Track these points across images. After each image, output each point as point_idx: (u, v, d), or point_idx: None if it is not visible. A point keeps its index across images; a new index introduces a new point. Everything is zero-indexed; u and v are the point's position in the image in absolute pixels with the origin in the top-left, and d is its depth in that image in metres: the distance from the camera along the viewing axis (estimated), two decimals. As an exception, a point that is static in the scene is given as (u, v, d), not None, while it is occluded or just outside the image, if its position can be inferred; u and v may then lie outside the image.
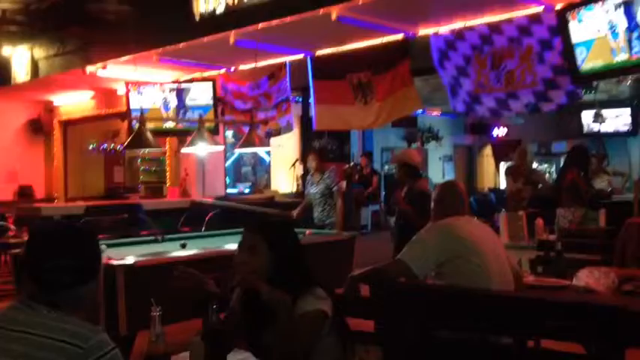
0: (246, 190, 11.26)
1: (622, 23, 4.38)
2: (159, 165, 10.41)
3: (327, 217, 6.76)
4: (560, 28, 4.78)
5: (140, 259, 4.27)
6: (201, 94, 7.82)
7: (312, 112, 6.99)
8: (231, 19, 5.72)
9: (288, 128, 7.55)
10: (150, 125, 7.40)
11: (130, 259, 4.20)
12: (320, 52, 6.86)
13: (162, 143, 8.69)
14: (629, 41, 4.37)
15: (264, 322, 2.17)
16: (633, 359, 2.71)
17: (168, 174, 9.39)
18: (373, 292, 3.17)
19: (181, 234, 6.19)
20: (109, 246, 4.92)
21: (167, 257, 4.51)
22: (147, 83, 7.85)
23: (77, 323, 1.64)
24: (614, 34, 4.42)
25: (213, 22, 5.87)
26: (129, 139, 5.68)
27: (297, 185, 11.01)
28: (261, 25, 5.61)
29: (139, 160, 11.04)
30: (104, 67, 7.41)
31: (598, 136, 11.52)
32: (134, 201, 8.77)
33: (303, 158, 8.91)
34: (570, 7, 4.71)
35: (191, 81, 8.12)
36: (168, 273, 4.22)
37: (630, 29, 4.36)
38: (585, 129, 11.62)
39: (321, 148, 9.18)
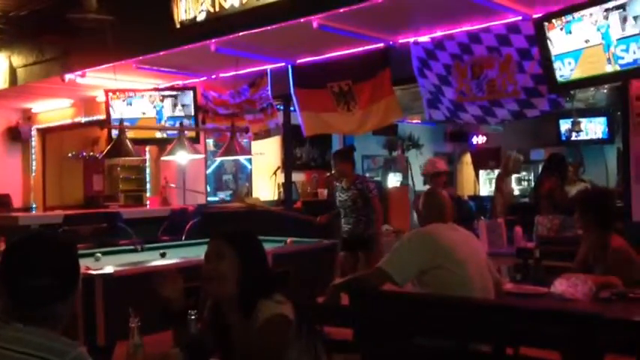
0: (227, 199, 11.21)
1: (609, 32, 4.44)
2: (139, 173, 10.33)
3: (364, 229, 6.17)
4: (538, 38, 4.84)
5: (119, 269, 4.23)
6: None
7: (299, 119, 7.00)
8: (212, 27, 5.71)
9: (277, 131, 7.55)
10: (141, 134, 7.41)
11: (108, 269, 4.15)
12: (301, 61, 6.87)
13: (142, 151, 8.63)
14: (614, 52, 4.43)
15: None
16: (610, 366, 2.74)
17: (148, 182, 9.33)
18: (352, 300, 3.18)
19: (161, 243, 6.15)
20: (86, 255, 4.87)
21: (146, 267, 4.47)
22: (126, 91, 7.80)
23: (54, 338, 1.62)
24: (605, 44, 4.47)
25: (194, 30, 5.86)
26: (108, 148, 5.65)
27: (279, 193, 10.99)
28: (242, 34, 5.61)
29: (118, 169, 10.94)
30: (83, 75, 7.36)
31: (575, 144, 11.66)
32: (113, 210, 8.68)
33: (285, 166, 8.91)
34: (547, 18, 4.77)
35: (172, 89, 8.09)
36: (148, 283, 4.22)
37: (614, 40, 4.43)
38: (563, 137, 11.77)
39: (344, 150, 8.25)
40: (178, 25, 5.97)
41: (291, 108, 7.43)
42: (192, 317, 2.24)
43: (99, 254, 4.99)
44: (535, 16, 5.01)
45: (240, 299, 2.22)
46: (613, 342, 2.84)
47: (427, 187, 6.26)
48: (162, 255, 4.99)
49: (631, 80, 4.86)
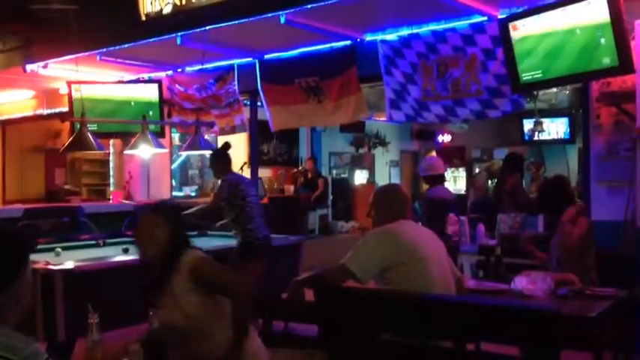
0: (193, 194, 11.11)
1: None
2: (102, 167, 10.17)
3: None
4: (502, 38, 4.91)
5: (79, 264, 4.16)
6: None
7: (267, 114, 6.97)
8: (178, 20, 5.65)
9: (243, 127, 7.49)
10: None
11: (69, 264, 4.09)
12: (268, 56, 6.85)
13: (105, 145, 8.50)
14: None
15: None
16: (567, 361, 2.81)
17: (112, 176, 9.19)
18: (317, 297, 3.18)
19: (124, 238, 6.07)
20: (46, 250, 4.80)
21: (108, 262, 4.41)
22: (89, 82, 7.66)
23: (8, 334, 1.58)
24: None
25: (160, 23, 5.78)
26: (70, 141, 5.55)
27: (245, 189, 10.94)
28: (208, 28, 5.56)
29: (81, 162, 10.77)
30: (45, 66, 7.21)
31: (537, 143, 11.88)
32: (75, 204, 8.54)
33: (251, 162, 8.87)
34: (512, 18, 4.84)
35: (137, 82, 7.98)
36: (109, 278, 4.17)
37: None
38: (526, 137, 11.98)
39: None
40: (144, 18, 5.88)
41: (258, 103, 7.39)
42: (151, 313, 2.22)
43: (59, 249, 4.91)
44: (500, 17, 5.08)
45: (169, 256, 2.68)
46: (570, 338, 2.91)
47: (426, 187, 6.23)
48: (125, 250, 4.93)
49: (590, 82, 4.96)
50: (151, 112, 7.43)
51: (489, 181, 9.72)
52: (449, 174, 14.69)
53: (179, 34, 5.82)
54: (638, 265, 4.23)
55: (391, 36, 5.85)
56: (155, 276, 2.69)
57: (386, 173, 15.15)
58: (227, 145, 5.56)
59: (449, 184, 14.53)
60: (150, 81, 7.87)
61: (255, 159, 8.64)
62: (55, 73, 7.51)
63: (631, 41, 4.41)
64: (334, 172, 13.95)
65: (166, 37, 5.89)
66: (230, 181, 5.25)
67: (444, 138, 14.71)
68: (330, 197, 12.52)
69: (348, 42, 6.11)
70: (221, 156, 5.54)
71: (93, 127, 6.51)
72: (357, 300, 3.14)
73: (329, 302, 3.15)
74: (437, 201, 5.86)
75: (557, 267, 3.87)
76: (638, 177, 4.58)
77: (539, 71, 4.74)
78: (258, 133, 8.23)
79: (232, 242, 5.22)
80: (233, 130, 7.51)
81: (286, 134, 11.55)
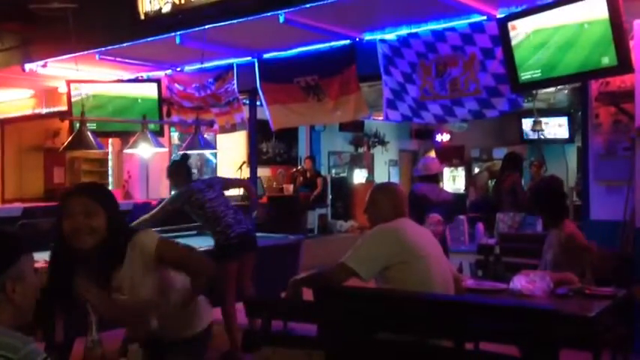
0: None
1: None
2: (101, 166, 10.17)
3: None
4: (501, 38, 4.91)
5: (79, 263, 4.16)
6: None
7: (266, 113, 6.97)
8: (177, 19, 5.65)
9: (243, 125, 7.49)
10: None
11: (68, 263, 4.08)
12: (267, 55, 6.84)
13: (104, 144, 8.50)
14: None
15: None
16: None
17: (110, 175, 9.19)
18: (317, 296, 3.18)
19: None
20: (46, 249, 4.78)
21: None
22: (88, 82, 7.66)
23: (6, 333, 1.58)
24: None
25: (159, 22, 5.78)
26: (69, 140, 5.53)
27: (244, 188, 10.94)
28: (207, 27, 5.56)
29: (80, 161, 10.76)
30: (44, 66, 7.20)
31: (537, 142, 11.90)
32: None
33: (250, 161, 8.87)
34: (511, 18, 4.84)
35: (136, 81, 7.97)
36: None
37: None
38: (525, 136, 11.99)
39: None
40: (143, 17, 5.88)
41: (258, 103, 7.39)
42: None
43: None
44: (499, 16, 5.08)
45: (110, 246, 2.49)
46: (569, 337, 2.92)
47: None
48: None
49: (589, 82, 4.96)
50: (149, 112, 7.44)
51: (490, 181, 9.74)
52: (448, 173, 14.71)
53: (178, 33, 5.81)
54: (636, 265, 4.24)
55: (390, 35, 5.85)
56: (95, 267, 2.50)
57: (385, 172, 15.16)
58: (186, 157, 5.43)
59: (448, 184, 14.60)
60: (149, 80, 7.86)
61: (255, 158, 8.64)
62: (54, 72, 7.51)
63: (630, 41, 4.41)
64: (333, 171, 13.96)
65: (165, 36, 5.89)
66: (183, 192, 5.13)
67: (443, 137, 14.73)
68: (330, 196, 12.53)
69: (348, 41, 6.11)
70: (180, 166, 5.29)
71: (92, 126, 6.50)
72: (356, 299, 3.14)
73: (328, 302, 3.14)
74: (418, 196, 5.74)
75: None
76: (636, 176, 4.58)
77: (539, 71, 4.74)
78: (258, 132, 8.23)
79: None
80: (234, 128, 7.50)
81: (285, 133, 11.55)
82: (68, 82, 7.63)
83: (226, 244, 4.90)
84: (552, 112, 11.56)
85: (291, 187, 11.93)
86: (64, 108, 8.07)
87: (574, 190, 7.16)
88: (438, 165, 6.12)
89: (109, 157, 9.16)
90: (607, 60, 4.34)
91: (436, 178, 6.16)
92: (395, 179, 15.02)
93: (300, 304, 3.12)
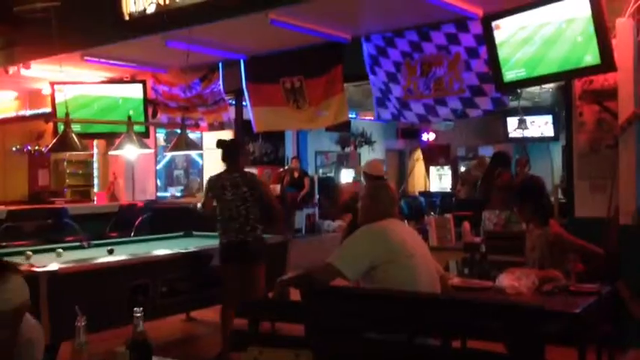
0: (178, 194, 11.06)
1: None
2: (86, 168, 10.10)
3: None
4: (486, 37, 4.94)
5: (64, 266, 4.13)
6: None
7: (250, 114, 6.96)
8: (162, 19, 5.62)
9: (230, 124, 7.49)
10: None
11: (53, 266, 4.06)
12: (253, 55, 6.83)
13: (90, 145, 8.45)
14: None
15: None
16: (551, 356, 2.83)
17: (96, 177, 9.13)
18: (304, 297, 3.18)
19: (109, 239, 6.04)
20: (43, 252, 4.80)
21: (92, 264, 4.38)
22: (73, 83, 7.61)
23: None
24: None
25: (144, 23, 5.75)
26: (53, 142, 5.49)
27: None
28: (193, 27, 5.54)
29: (65, 163, 10.67)
30: (27, 67, 7.14)
31: (522, 141, 11.97)
32: (59, 205, 8.47)
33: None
34: (495, 17, 4.87)
35: (120, 82, 7.93)
36: (94, 280, 4.14)
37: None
38: (510, 135, 12.06)
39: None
40: (127, 17, 5.85)
41: (244, 103, 7.38)
42: (138, 315, 2.20)
43: (60, 250, 4.90)
44: (483, 16, 5.10)
45: None
46: (555, 333, 2.94)
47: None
48: (110, 252, 4.90)
49: (573, 80, 5.00)
50: (132, 112, 7.39)
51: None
52: (434, 172, 14.78)
53: (163, 33, 5.79)
54: (621, 262, 4.28)
55: (376, 35, 5.86)
56: None
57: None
58: (235, 141, 5.57)
59: (434, 183, 14.66)
60: (134, 81, 7.82)
61: (241, 159, 8.61)
62: (38, 73, 7.45)
63: (612, 39, 4.45)
64: (320, 171, 13.96)
65: (150, 36, 5.86)
66: (209, 179, 5.12)
67: (429, 136, 14.79)
68: (317, 196, 12.53)
69: (334, 41, 6.11)
70: (225, 149, 5.05)
71: (77, 127, 6.46)
72: (343, 299, 3.14)
73: (315, 302, 3.14)
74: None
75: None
76: (620, 174, 4.63)
77: (523, 69, 4.77)
78: (244, 132, 8.22)
79: (216, 242, 5.13)
80: (222, 126, 7.50)
81: (272, 134, 11.54)
82: (52, 84, 7.58)
83: (220, 247, 4.89)
84: (537, 110, 11.64)
85: (278, 187, 11.91)
86: (49, 110, 8.02)
87: (559, 188, 7.19)
88: (381, 167, 6.17)
89: (94, 158, 9.10)
90: (590, 58, 4.38)
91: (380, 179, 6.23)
92: (382, 178, 15.05)
93: (288, 305, 3.12)
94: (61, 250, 4.90)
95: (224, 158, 5.04)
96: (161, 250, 5.04)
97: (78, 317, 2.13)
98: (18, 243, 5.85)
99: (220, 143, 5.08)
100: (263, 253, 4.89)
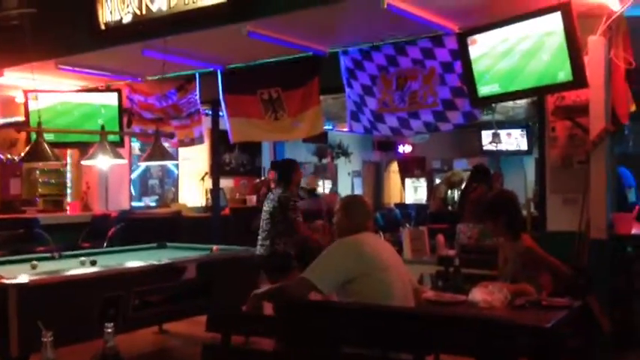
0: (153, 204, 10.97)
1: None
2: (59, 177, 9.96)
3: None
4: (461, 52, 4.99)
5: (34, 278, 4.06)
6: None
7: (226, 125, 6.94)
8: (138, 30, 5.58)
9: (201, 140, 7.45)
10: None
11: (23, 278, 3.98)
12: (230, 66, 6.82)
13: (63, 155, 8.34)
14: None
15: None
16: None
17: (69, 187, 9.01)
18: (278, 310, 3.17)
19: (81, 250, 5.96)
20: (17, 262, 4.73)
21: (63, 276, 4.31)
22: (46, 91, 7.51)
23: None
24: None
25: (120, 32, 5.71)
26: (26, 151, 5.42)
27: (207, 199, 10.84)
28: (169, 38, 5.52)
29: (37, 172, 10.50)
30: (1, 74, 7.04)
31: (496, 154, 12.12)
32: (31, 215, 8.34)
33: (212, 172, 8.81)
34: (470, 32, 4.93)
35: (95, 90, 7.85)
36: (64, 292, 4.08)
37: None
38: (485, 148, 12.20)
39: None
40: (103, 27, 5.81)
41: (220, 113, 7.36)
42: (110, 330, 2.16)
43: (35, 262, 4.83)
44: (458, 31, 5.17)
45: None
46: (526, 348, 2.96)
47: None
48: (93, 263, 4.82)
49: (546, 96, 5.07)
50: (102, 122, 7.31)
51: (449, 191, 9.86)
52: (409, 184, 14.87)
53: (139, 43, 5.75)
54: (592, 276, 4.33)
55: (353, 48, 5.89)
56: None
57: (348, 183, 15.22)
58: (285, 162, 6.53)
59: (409, 194, 14.75)
60: (109, 90, 7.75)
61: (217, 169, 8.60)
62: (11, 81, 7.35)
63: (584, 57, 4.53)
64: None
65: (126, 46, 5.82)
66: None
67: (405, 149, 14.89)
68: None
69: (311, 54, 6.13)
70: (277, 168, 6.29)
71: (50, 137, 6.37)
72: (317, 313, 3.13)
73: (289, 316, 3.13)
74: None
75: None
76: (591, 189, 4.70)
77: (497, 85, 4.83)
78: (220, 143, 8.19)
79: (191, 254, 5.18)
80: (192, 143, 7.46)
81: (249, 144, 11.50)
82: (26, 92, 7.48)
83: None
84: (511, 124, 11.81)
85: (254, 199, 11.87)
86: (21, 118, 7.91)
87: (532, 202, 7.28)
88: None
89: (68, 168, 8.99)
90: (563, 75, 4.44)
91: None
92: (358, 190, 15.10)
93: (260, 318, 3.10)
94: (36, 263, 4.82)
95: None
96: (134, 261, 4.99)
97: (43, 332, 2.09)
98: (-13, 253, 5.73)
99: (274, 165, 5.81)
100: (273, 268, 5.57)
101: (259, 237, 5.84)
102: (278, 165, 6.28)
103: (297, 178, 6.04)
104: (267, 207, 5.87)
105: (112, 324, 2.30)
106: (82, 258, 4.99)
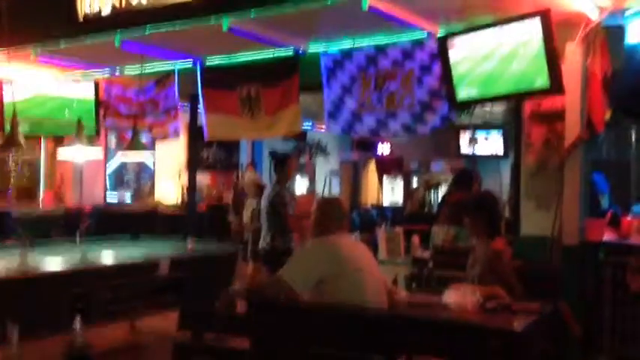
0: (128, 199, 10.85)
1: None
2: (33, 169, 9.81)
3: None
4: (440, 55, 5.02)
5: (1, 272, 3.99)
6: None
7: (203, 121, 6.89)
8: (117, 22, 5.52)
9: (176, 135, 7.38)
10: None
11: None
12: (210, 62, 6.77)
13: (37, 146, 8.23)
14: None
15: None
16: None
17: (42, 178, 8.87)
18: (250, 309, 3.16)
19: (54, 242, 5.88)
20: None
21: (32, 270, 4.25)
22: (22, 81, 7.39)
23: None
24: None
25: (98, 24, 5.63)
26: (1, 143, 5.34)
27: (183, 194, 10.75)
28: (148, 30, 5.46)
29: (10, 162, 10.33)
30: (-26, 62, 6.90)
31: (473, 157, 12.21)
32: (2, 207, 8.20)
33: (189, 168, 8.74)
34: (451, 36, 4.96)
35: (73, 81, 7.74)
36: (34, 286, 4.02)
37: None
38: (462, 150, 12.29)
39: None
40: (82, 18, 5.73)
41: (198, 109, 7.30)
42: (78, 327, 2.14)
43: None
44: (439, 34, 5.19)
45: None
46: (497, 351, 2.98)
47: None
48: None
49: (525, 101, 5.12)
50: (86, 114, 7.22)
51: (426, 193, 9.90)
52: (386, 184, 14.88)
53: (117, 36, 5.68)
54: (563, 281, 4.38)
55: (333, 48, 5.89)
56: None
57: (326, 182, 15.21)
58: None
59: (387, 195, 14.79)
60: (86, 81, 7.64)
61: (194, 165, 8.54)
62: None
63: (561, 64, 4.58)
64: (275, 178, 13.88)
65: (104, 38, 5.74)
66: None
67: (383, 149, 14.92)
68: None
69: (291, 51, 6.11)
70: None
71: (25, 128, 6.27)
72: (289, 313, 3.13)
73: (261, 315, 3.12)
74: None
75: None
76: (565, 195, 4.75)
77: (475, 89, 4.87)
78: (198, 138, 8.13)
79: (165, 248, 5.15)
80: (165, 138, 7.40)
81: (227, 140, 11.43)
82: (0, 82, 7.35)
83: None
84: (488, 127, 11.91)
85: (230, 195, 11.79)
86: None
87: (507, 205, 7.35)
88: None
89: (42, 159, 8.85)
90: (540, 81, 4.49)
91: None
92: (335, 189, 15.10)
93: (232, 317, 3.09)
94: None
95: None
96: (106, 255, 4.93)
97: (9, 327, 2.06)
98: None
99: (273, 155, 5.97)
100: (275, 264, 5.45)
101: (262, 232, 6.12)
102: (275, 158, 6.68)
103: (291, 172, 6.47)
104: (263, 204, 6.22)
105: (79, 318, 2.28)
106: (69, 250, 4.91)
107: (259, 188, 7.86)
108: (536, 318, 3.21)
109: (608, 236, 5.07)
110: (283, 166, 6.31)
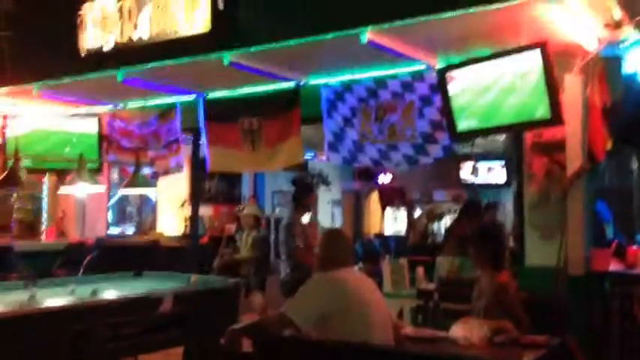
0: (130, 232, 10.83)
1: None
2: (35, 203, 9.81)
3: None
4: (440, 87, 5.05)
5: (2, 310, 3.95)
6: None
7: (205, 153, 6.91)
8: (119, 57, 5.58)
9: (178, 169, 7.40)
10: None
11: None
12: (212, 95, 6.82)
13: (40, 180, 8.25)
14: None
15: None
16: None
17: (45, 212, 8.86)
18: (257, 347, 3.12)
19: (55, 278, 5.85)
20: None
21: (32, 307, 4.20)
22: (25, 116, 7.43)
23: None
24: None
25: (100, 59, 5.70)
26: (1, 177, 5.34)
27: (186, 227, 10.72)
28: (150, 66, 5.51)
29: (13, 197, 10.34)
30: (-22, 99, 6.96)
31: (475, 187, 12.20)
32: (4, 242, 8.18)
33: (192, 200, 8.74)
34: (449, 68, 4.99)
35: (75, 115, 7.78)
36: (33, 324, 3.97)
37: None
38: (464, 180, 12.29)
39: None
40: (83, 53, 5.79)
41: (200, 141, 7.33)
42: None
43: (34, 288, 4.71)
44: (438, 66, 5.23)
45: None
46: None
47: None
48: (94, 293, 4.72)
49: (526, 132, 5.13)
50: (89, 148, 7.24)
51: (429, 224, 9.87)
52: (389, 214, 14.85)
53: (119, 71, 5.73)
54: (569, 312, 4.34)
55: (334, 80, 5.94)
56: None
57: (328, 213, 15.18)
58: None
59: (390, 225, 14.73)
60: (89, 115, 7.69)
61: (197, 197, 8.53)
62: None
63: (561, 94, 4.60)
64: (277, 210, 13.87)
65: (107, 73, 5.80)
66: None
67: (385, 178, 14.91)
68: (272, 236, 12.41)
69: (292, 84, 6.16)
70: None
71: (28, 162, 6.30)
72: (295, 350, 3.09)
73: (267, 352, 3.08)
74: None
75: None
76: (569, 225, 4.73)
77: (475, 120, 4.88)
78: (200, 170, 8.14)
79: (168, 284, 5.10)
80: (167, 173, 7.42)
81: (229, 172, 11.46)
82: (4, 117, 7.40)
83: None
84: (490, 157, 11.92)
85: (233, 227, 11.77)
86: (-2, 142, 7.80)
87: (510, 235, 7.32)
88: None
89: (44, 193, 8.85)
90: (540, 112, 4.51)
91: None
92: (338, 220, 15.07)
93: (238, 355, 3.05)
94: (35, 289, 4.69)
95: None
96: (108, 291, 4.90)
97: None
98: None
99: (294, 182, 6.07)
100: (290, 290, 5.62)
101: (281, 264, 6.48)
102: (296, 184, 7.07)
103: (307, 201, 6.75)
104: (281, 234, 6.58)
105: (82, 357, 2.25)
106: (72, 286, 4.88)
107: (257, 221, 7.87)
108: (544, 352, 3.17)
109: (614, 266, 5.04)
110: (304, 195, 6.53)
